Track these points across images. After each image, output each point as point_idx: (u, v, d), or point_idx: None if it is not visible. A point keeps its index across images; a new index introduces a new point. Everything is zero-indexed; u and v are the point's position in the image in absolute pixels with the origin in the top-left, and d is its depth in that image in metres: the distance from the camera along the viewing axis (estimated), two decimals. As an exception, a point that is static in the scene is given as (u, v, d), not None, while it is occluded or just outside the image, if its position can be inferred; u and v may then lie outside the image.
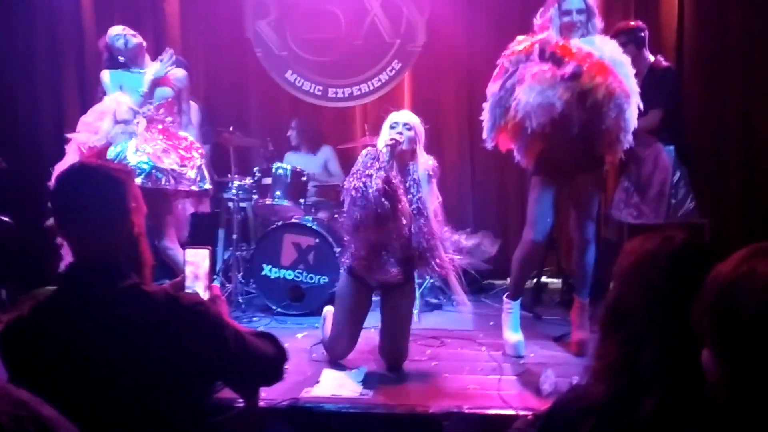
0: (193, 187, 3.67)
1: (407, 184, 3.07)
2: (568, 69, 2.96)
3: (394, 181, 2.95)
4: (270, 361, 1.55)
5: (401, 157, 3.09)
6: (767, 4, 4.52)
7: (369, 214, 2.91)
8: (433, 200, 3.11)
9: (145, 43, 3.77)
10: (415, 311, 4.07)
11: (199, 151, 3.77)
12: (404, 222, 2.99)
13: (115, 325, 1.35)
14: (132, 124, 3.60)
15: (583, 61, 2.97)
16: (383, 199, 2.89)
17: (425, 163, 3.15)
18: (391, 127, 3.12)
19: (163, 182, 3.56)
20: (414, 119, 3.16)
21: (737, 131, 4.62)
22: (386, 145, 3.02)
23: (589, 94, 2.97)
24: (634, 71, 3.13)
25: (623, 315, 1.13)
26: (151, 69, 3.67)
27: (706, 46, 4.62)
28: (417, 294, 3.77)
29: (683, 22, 4.68)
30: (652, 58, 3.97)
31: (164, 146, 3.59)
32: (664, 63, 3.98)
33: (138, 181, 3.43)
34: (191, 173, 3.64)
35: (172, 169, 3.57)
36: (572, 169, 3.25)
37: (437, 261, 3.04)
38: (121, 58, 3.71)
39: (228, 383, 1.53)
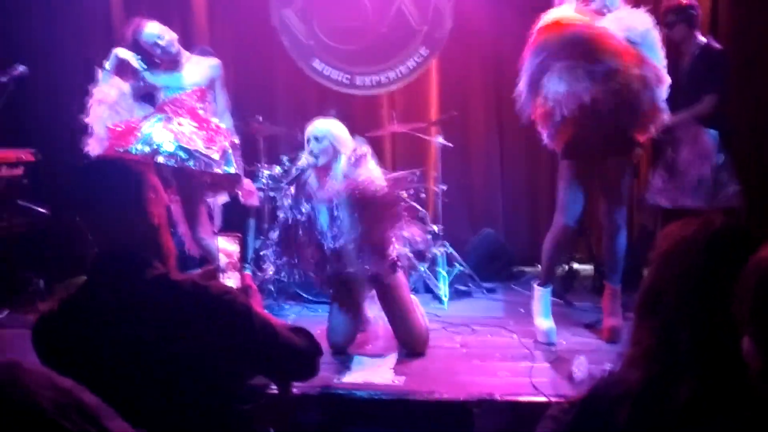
0: (218, 170, 3.64)
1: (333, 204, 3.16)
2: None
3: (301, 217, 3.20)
4: (303, 355, 1.55)
5: (324, 171, 3.19)
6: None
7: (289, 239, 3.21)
8: (368, 184, 3.09)
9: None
10: (445, 298, 4.10)
11: (229, 137, 3.74)
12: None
13: (143, 315, 1.36)
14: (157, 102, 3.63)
15: (617, 57, 2.91)
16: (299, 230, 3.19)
17: (348, 158, 3.17)
18: (307, 142, 3.22)
19: (188, 162, 3.54)
20: (324, 128, 3.21)
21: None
22: (288, 183, 3.29)
23: (623, 85, 2.91)
24: (663, 52, 3.06)
25: (658, 301, 1.10)
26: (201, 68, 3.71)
27: (741, 25, 4.48)
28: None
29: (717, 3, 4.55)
30: (704, 39, 3.79)
31: (191, 128, 3.60)
32: (717, 46, 3.80)
33: (161, 159, 3.46)
34: (216, 155, 3.63)
35: (197, 150, 3.56)
36: (603, 153, 3.19)
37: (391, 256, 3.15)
38: (156, 60, 3.71)
39: (261, 373, 1.54)
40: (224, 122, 3.78)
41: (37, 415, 0.78)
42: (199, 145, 3.57)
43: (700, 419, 1.00)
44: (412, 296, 3.41)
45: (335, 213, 3.13)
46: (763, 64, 4.48)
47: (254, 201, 4.16)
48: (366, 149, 3.23)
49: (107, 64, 3.66)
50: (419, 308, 3.37)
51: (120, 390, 1.28)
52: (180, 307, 1.37)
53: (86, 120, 3.66)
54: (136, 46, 3.69)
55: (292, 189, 3.26)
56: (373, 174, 3.16)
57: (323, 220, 3.19)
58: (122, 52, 3.65)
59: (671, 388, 1.04)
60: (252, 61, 5.22)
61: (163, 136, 3.52)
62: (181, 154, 3.53)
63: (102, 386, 1.16)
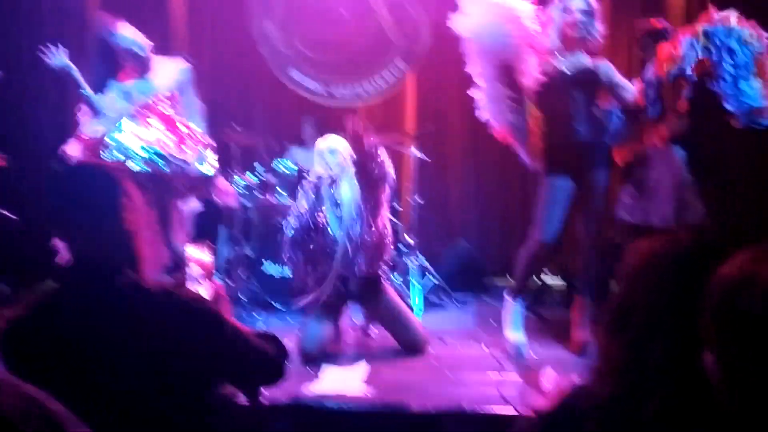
0: (192, 170, 3.63)
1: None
2: None
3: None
4: (271, 360, 1.56)
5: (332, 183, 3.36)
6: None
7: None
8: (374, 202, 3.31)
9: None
10: (418, 310, 4.12)
11: (203, 139, 3.74)
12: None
13: (114, 322, 1.35)
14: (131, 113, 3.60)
15: None
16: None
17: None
18: (319, 155, 3.38)
19: (161, 166, 3.53)
20: (338, 143, 3.40)
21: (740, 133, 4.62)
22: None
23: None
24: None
25: (628, 317, 1.13)
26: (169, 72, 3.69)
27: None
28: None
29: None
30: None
31: (162, 132, 3.58)
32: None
33: (134, 165, 3.43)
34: (189, 158, 3.61)
35: (170, 154, 3.55)
36: (584, 167, 3.26)
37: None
38: (125, 63, 3.68)
39: (229, 381, 1.54)
40: (196, 126, 3.78)
41: (1, 423, 0.77)
42: (171, 148, 3.55)
43: None
44: None
45: (338, 201, 3.31)
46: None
47: (232, 201, 4.15)
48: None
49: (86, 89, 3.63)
50: None
51: (89, 398, 1.27)
52: (151, 314, 1.37)
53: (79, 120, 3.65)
54: (106, 47, 3.67)
55: (309, 195, 3.38)
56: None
57: (333, 225, 3.33)
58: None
59: (641, 403, 1.06)
60: (230, 69, 5.22)
61: (135, 141, 3.50)
62: (155, 158, 3.51)
63: (71, 394, 1.14)
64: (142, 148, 3.49)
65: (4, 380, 0.84)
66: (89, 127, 3.67)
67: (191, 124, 3.73)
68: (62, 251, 3.19)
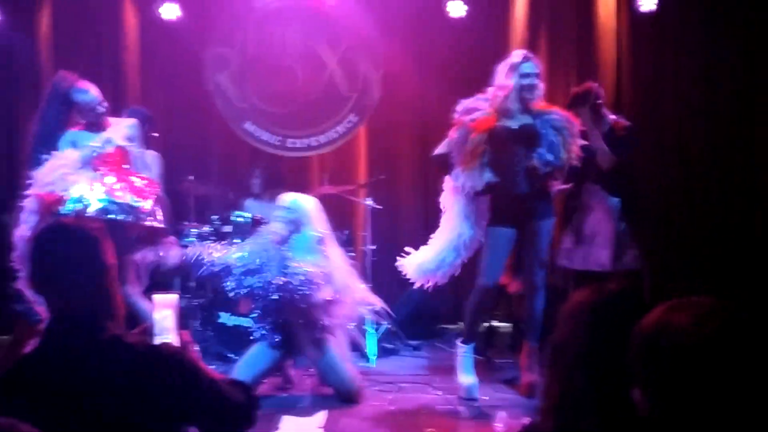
0: (148, 222, 3.67)
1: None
2: None
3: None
4: (242, 408, 1.62)
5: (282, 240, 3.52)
6: (701, 65, 4.94)
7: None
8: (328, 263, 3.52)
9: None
10: (372, 356, 4.19)
11: (156, 190, 3.79)
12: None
13: (97, 376, 1.41)
14: (86, 166, 3.64)
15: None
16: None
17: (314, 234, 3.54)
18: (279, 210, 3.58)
19: (119, 215, 3.55)
20: (298, 202, 3.58)
21: (676, 182, 4.97)
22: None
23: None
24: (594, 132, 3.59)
25: (559, 357, 1.29)
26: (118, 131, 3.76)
27: (643, 106, 4.98)
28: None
29: (621, 84, 5.04)
30: (613, 117, 4.06)
31: (119, 183, 3.62)
32: (624, 122, 4.05)
33: (92, 212, 3.45)
34: (146, 207, 3.66)
35: (128, 204, 3.59)
36: (527, 217, 3.46)
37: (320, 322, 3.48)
38: (80, 119, 3.75)
39: (201, 428, 1.60)
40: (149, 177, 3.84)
41: None
42: (128, 198, 3.60)
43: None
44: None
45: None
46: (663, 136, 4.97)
47: (174, 257, 4.15)
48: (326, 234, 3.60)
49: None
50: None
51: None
52: (133, 367, 1.43)
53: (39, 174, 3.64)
54: (66, 102, 3.72)
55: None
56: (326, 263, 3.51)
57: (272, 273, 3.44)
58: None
59: (577, 429, 1.20)
60: (185, 121, 5.29)
61: (92, 192, 3.53)
62: (112, 207, 3.54)
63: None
64: (100, 199, 3.52)
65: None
66: (42, 180, 3.66)
67: (143, 174, 3.78)
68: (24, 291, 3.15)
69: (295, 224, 3.52)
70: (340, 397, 3.43)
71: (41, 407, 1.39)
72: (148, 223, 3.65)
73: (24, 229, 3.43)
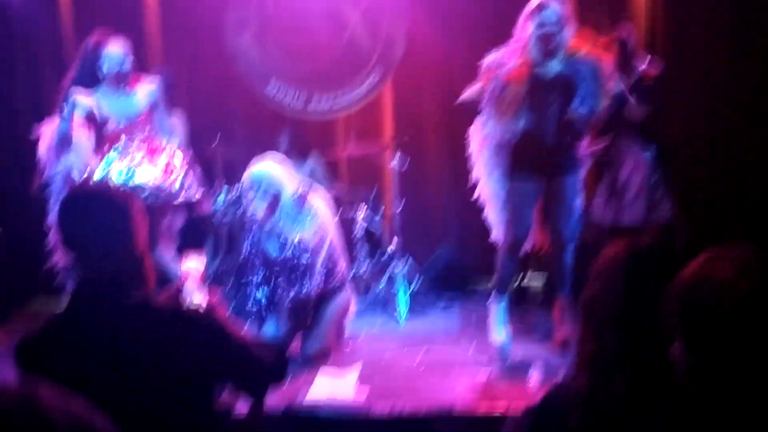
0: (180, 200, 3.71)
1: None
2: None
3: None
4: (273, 365, 1.63)
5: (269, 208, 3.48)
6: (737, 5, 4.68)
7: None
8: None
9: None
10: (402, 316, 4.20)
11: (183, 159, 3.79)
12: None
13: (127, 340, 1.42)
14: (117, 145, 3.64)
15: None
16: None
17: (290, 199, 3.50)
18: (250, 188, 3.50)
19: (148, 199, 3.57)
20: (259, 173, 3.47)
21: (709, 132, 4.78)
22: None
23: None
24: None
25: (592, 312, 1.25)
26: (145, 91, 3.74)
27: (674, 46, 4.77)
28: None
29: (655, 23, 4.82)
30: (643, 66, 3.94)
31: (146, 161, 3.63)
32: (653, 71, 3.96)
33: None
34: (175, 185, 3.68)
35: (155, 186, 3.61)
36: (555, 170, 3.38)
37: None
38: (108, 78, 3.71)
39: (237, 387, 1.61)
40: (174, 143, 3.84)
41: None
42: (156, 178, 3.61)
43: (637, 416, 1.13)
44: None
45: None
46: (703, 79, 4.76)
47: (206, 219, 4.23)
48: (306, 188, 3.58)
49: (65, 112, 3.60)
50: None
51: (104, 413, 1.33)
52: (163, 330, 1.43)
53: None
54: (93, 63, 3.69)
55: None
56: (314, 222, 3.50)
57: (272, 248, 3.52)
58: (82, 99, 3.61)
59: (610, 388, 1.17)
60: (208, 84, 5.25)
61: (119, 175, 3.55)
62: (139, 191, 3.55)
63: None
64: (128, 181, 3.55)
65: (55, 398, 0.86)
66: (62, 161, 3.66)
67: (171, 145, 3.78)
68: (64, 270, 3.22)
69: (268, 195, 3.44)
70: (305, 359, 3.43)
71: (66, 368, 1.40)
72: (176, 202, 3.70)
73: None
